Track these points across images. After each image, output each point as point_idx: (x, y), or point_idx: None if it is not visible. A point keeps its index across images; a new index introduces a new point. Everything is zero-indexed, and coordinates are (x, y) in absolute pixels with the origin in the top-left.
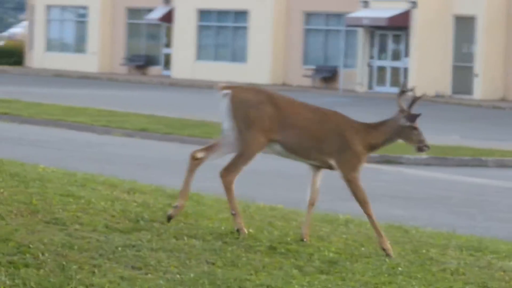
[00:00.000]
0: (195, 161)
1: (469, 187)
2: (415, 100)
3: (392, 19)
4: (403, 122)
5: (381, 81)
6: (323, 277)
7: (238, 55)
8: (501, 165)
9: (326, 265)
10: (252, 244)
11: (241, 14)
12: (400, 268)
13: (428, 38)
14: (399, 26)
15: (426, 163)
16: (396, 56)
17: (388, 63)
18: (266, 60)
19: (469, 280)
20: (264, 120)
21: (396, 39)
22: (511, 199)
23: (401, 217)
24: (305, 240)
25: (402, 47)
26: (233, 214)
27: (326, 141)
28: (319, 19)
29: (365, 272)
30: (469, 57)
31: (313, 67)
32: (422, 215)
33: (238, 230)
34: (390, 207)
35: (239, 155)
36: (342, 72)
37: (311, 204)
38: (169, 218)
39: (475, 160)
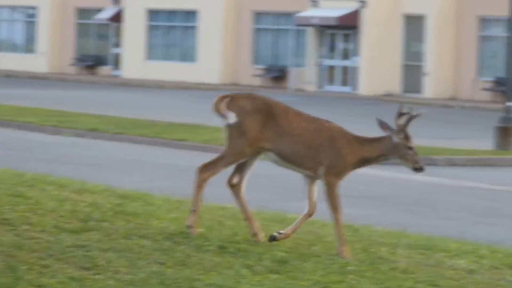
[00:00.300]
0: (233, 189)
1: (419, 186)
2: (411, 118)
3: (341, 18)
4: (397, 139)
5: (331, 80)
6: (274, 276)
7: (188, 55)
8: (451, 163)
9: (276, 264)
10: (202, 243)
11: (190, 14)
12: (350, 267)
13: (377, 37)
14: (348, 25)
15: None
16: (345, 55)
17: (338, 62)
18: (216, 60)
19: (419, 278)
20: (256, 130)
21: (346, 38)
22: (461, 198)
23: (352, 216)
24: (280, 233)
25: (351, 46)
26: (193, 211)
27: (320, 150)
28: (269, 18)
29: (316, 271)
30: (419, 56)
31: (263, 66)
32: (373, 214)
33: (188, 227)
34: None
35: (222, 157)
36: (292, 72)
37: (309, 215)
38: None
39: (425, 159)
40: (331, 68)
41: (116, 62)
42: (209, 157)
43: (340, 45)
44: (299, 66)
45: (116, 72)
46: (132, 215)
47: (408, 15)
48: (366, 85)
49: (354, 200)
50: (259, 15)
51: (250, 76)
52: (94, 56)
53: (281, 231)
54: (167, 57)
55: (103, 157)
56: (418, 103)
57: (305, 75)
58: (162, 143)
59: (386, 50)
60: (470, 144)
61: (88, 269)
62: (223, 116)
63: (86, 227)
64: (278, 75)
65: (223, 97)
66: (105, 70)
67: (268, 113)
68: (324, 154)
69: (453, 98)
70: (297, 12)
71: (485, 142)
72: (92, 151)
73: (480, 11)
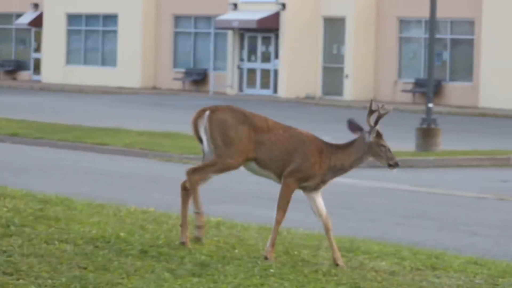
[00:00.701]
0: (187, 192)
1: (341, 187)
2: (380, 116)
3: (261, 21)
4: (369, 138)
5: (251, 83)
6: (195, 279)
7: (108, 59)
8: (373, 165)
9: (198, 267)
10: (124, 247)
11: (110, 18)
12: (272, 270)
13: (298, 40)
14: (268, 28)
15: None
16: (266, 58)
17: (258, 65)
18: (136, 64)
19: (341, 281)
20: (243, 141)
21: (266, 41)
22: (382, 199)
23: (271, 218)
24: (339, 264)
25: (272, 49)
26: (196, 213)
27: (292, 156)
28: (189, 22)
29: (237, 274)
30: (339, 58)
31: (183, 70)
32: (295, 216)
33: (181, 226)
34: (263, 209)
35: (212, 163)
36: (212, 75)
37: (328, 230)
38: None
39: None
40: (252, 71)
41: (36, 67)
42: (131, 160)
43: (260, 48)
44: (220, 69)
45: (36, 77)
46: (53, 219)
47: (328, 18)
48: (287, 88)
49: (274, 203)
50: (179, 19)
51: (170, 80)
52: (14, 61)
53: (337, 263)
54: (87, 61)
55: (23, 162)
56: (339, 105)
57: (226, 79)
58: (83, 147)
59: (307, 52)
60: (392, 146)
61: (10, 274)
62: (199, 133)
63: (8, 232)
64: (198, 78)
65: (202, 111)
66: (25, 75)
67: (249, 123)
68: (293, 158)
69: (374, 100)
70: (217, 15)
71: (407, 144)
72: (12, 156)
73: (400, 13)
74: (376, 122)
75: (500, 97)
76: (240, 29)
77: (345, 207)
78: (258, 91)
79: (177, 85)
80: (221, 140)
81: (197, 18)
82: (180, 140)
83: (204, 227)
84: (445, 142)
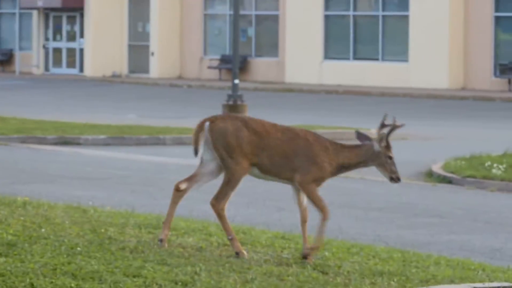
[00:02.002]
0: (178, 193)
1: (148, 165)
2: (393, 128)
3: (66, 0)
4: (378, 147)
5: (57, 62)
6: (2, 259)
7: None
8: (179, 142)
9: (5, 247)
10: None
11: None
12: (79, 248)
13: (103, 19)
14: (73, 7)
15: (105, 143)
16: (71, 37)
17: (63, 44)
18: None
19: (149, 257)
20: (244, 147)
21: (71, 20)
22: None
23: (80, 197)
24: (306, 256)
25: (77, 28)
26: (230, 239)
27: (296, 158)
28: None
29: (44, 253)
30: (145, 36)
31: None
32: (102, 195)
33: (237, 253)
34: (69, 188)
35: (226, 182)
36: (18, 55)
37: (304, 221)
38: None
39: (153, 138)
40: (57, 50)
41: None
42: None
43: (65, 27)
44: (25, 49)
45: None
46: None
47: None
48: (93, 66)
49: (81, 182)
50: None
51: None
52: None
53: (304, 254)
54: None
55: None
56: (146, 83)
57: (32, 59)
58: None
59: (112, 31)
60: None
61: None
62: (198, 145)
63: None
64: (4, 58)
65: (202, 123)
66: None
67: (248, 129)
68: (299, 162)
69: (180, 77)
70: None
71: None
72: None
73: None
74: (389, 133)
75: (305, 72)
76: (45, 8)
77: (152, 185)
78: (64, 70)
79: None
80: (224, 149)
81: None
82: None
83: (241, 250)
84: None
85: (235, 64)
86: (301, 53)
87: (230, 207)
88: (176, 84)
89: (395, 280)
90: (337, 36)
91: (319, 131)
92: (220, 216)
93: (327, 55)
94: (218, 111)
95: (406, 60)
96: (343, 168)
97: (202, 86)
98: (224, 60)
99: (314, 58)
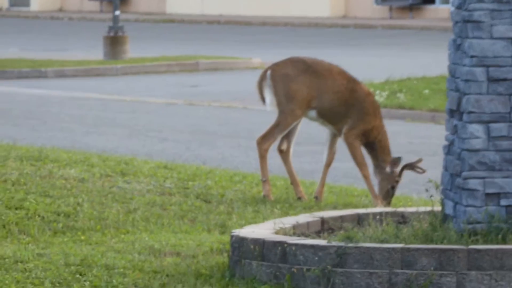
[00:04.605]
0: (283, 155)
1: (30, 98)
2: (411, 168)
3: None
4: (391, 171)
5: None
6: None
7: None
8: (61, 75)
9: None
10: None
11: None
12: None
13: None
14: None
15: None
16: None
17: None
18: None
19: (31, 189)
20: (303, 93)
21: None
22: (71, 109)
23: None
24: (317, 197)
25: None
26: (263, 181)
27: (351, 110)
28: None
29: None
30: None
31: None
32: None
33: (265, 196)
34: None
35: (276, 125)
36: None
37: (327, 165)
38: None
39: (34, 71)
40: None
41: None
42: None
43: None
44: None
45: None
46: None
47: None
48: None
49: None
50: None
51: None
52: None
53: (316, 195)
54: None
55: None
56: (27, 16)
57: None
58: None
59: None
60: (79, 56)
61: None
62: (263, 94)
63: None
64: None
65: (264, 72)
66: None
67: (311, 72)
68: (353, 113)
69: (61, 10)
70: None
71: (95, 53)
72: None
73: None
74: (403, 169)
75: (186, 3)
76: None
77: (35, 118)
78: None
79: None
80: (283, 95)
81: None
82: None
83: (270, 195)
84: (133, 50)
85: None
86: None
87: (112, 139)
88: (57, 17)
89: (278, 207)
90: None
91: (201, 61)
92: (262, 156)
93: None
94: (99, 43)
95: None
96: (371, 141)
97: (83, 18)
98: None
99: None
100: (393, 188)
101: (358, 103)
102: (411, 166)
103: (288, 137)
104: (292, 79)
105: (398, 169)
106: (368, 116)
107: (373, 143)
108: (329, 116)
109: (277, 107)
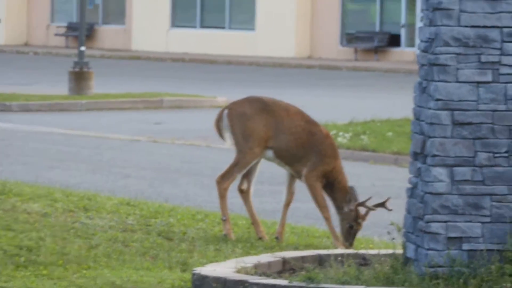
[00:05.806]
0: (243, 194)
1: None
2: (369, 210)
3: None
4: (348, 208)
5: None
6: None
7: None
8: (26, 109)
9: None
10: None
11: None
12: None
13: None
14: None
15: None
16: None
17: None
18: None
19: None
20: (260, 131)
21: None
22: (35, 143)
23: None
24: (278, 237)
25: None
26: (223, 220)
27: (309, 152)
28: None
29: None
30: None
31: None
32: None
33: (225, 235)
34: None
35: (235, 164)
36: None
37: (287, 205)
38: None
39: None
40: None
41: None
42: None
43: None
44: None
45: None
46: None
47: None
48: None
49: None
50: None
51: None
52: None
53: (277, 236)
54: None
55: None
56: None
57: None
58: None
59: None
60: (45, 90)
61: None
62: (222, 133)
63: None
64: None
65: (221, 111)
66: None
67: (268, 111)
68: (311, 156)
69: (26, 44)
70: None
71: (60, 88)
72: None
73: None
74: (365, 215)
75: (152, 40)
76: None
77: None
78: None
79: None
80: (241, 133)
81: None
82: None
83: (231, 234)
84: (98, 86)
85: (81, 31)
86: (148, 21)
87: (75, 174)
88: (23, 51)
89: (240, 246)
90: (184, 4)
91: (166, 99)
92: (222, 195)
93: (174, 23)
94: (64, 78)
95: (253, 29)
96: (330, 181)
97: (48, 53)
98: (71, 27)
99: (161, 26)
100: (351, 227)
101: (317, 145)
102: (363, 204)
103: (248, 176)
104: (249, 118)
105: (352, 203)
106: (328, 158)
107: (333, 184)
108: (286, 157)
109: (235, 146)
